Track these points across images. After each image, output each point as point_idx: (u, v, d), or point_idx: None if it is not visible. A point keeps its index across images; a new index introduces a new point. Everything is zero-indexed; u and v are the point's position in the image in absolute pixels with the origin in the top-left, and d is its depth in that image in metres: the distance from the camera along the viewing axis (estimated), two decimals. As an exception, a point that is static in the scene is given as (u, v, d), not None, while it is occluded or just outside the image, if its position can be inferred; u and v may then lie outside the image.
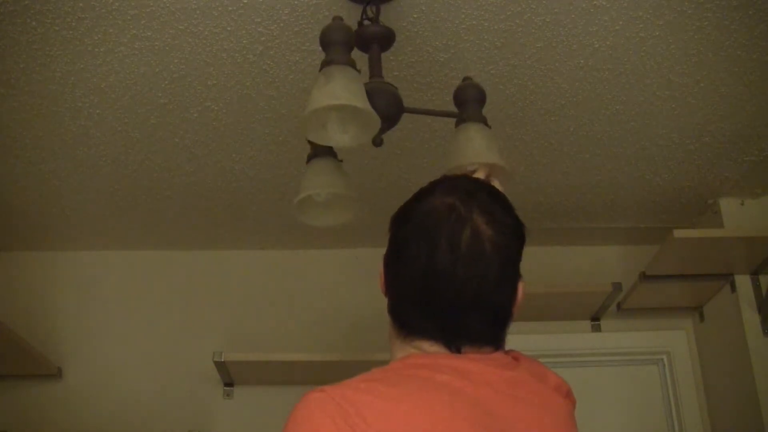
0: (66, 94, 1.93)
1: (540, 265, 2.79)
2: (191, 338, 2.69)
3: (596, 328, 2.76)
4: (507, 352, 1.11)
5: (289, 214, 2.12)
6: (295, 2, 1.67)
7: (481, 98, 1.56)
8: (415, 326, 1.07)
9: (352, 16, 1.61)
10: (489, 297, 1.05)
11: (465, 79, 1.60)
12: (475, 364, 1.03)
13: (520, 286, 1.11)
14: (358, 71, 1.39)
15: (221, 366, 2.46)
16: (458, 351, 1.05)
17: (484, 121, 1.53)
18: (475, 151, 1.48)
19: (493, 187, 1.17)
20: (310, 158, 1.65)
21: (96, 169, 2.26)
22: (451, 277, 1.03)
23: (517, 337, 3.01)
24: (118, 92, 1.94)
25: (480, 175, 1.38)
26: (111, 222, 2.60)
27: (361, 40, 1.57)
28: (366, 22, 1.59)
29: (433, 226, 1.06)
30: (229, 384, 2.64)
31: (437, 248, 1.04)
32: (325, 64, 1.39)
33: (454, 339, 1.05)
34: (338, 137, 1.42)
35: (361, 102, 1.33)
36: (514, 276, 1.09)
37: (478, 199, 1.08)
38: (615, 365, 2.75)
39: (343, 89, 1.33)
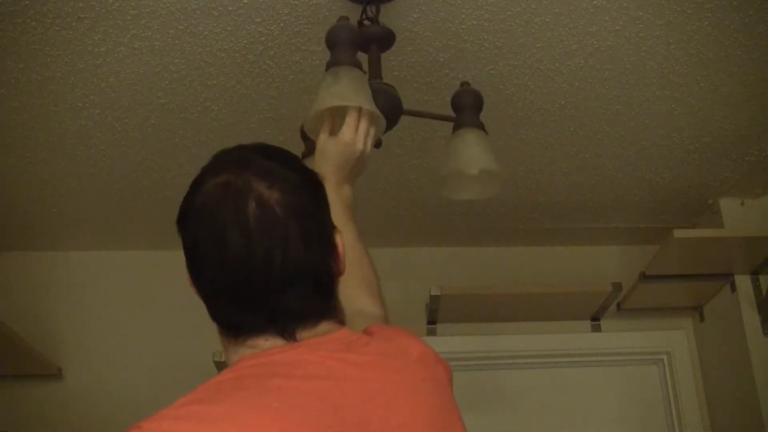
0: (66, 94, 1.93)
1: (540, 265, 2.79)
2: (191, 338, 2.66)
3: (596, 328, 2.76)
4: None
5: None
6: (295, 2, 1.67)
7: (477, 104, 1.59)
8: (241, 325, 0.97)
9: (352, 17, 1.61)
10: (301, 264, 0.94)
11: (462, 84, 1.61)
12: (312, 353, 0.93)
13: (338, 238, 1.00)
14: (365, 72, 1.40)
15: (221, 366, 2.42)
16: (293, 337, 0.95)
17: (481, 127, 1.55)
18: (470, 158, 1.51)
19: (268, 145, 1.03)
20: (304, 156, 1.65)
21: (96, 169, 2.26)
22: (251, 258, 0.92)
23: (517, 338, 3.01)
24: (118, 92, 1.93)
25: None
26: (111, 222, 2.60)
27: (361, 41, 1.57)
28: (366, 22, 1.59)
29: (212, 213, 0.95)
30: (229, 384, 2.63)
31: (226, 234, 0.92)
32: (331, 64, 1.39)
33: (284, 325, 0.95)
34: None
35: (368, 104, 1.33)
36: (322, 230, 0.98)
37: (252, 166, 0.96)
38: (615, 365, 2.74)
39: (350, 90, 1.34)
